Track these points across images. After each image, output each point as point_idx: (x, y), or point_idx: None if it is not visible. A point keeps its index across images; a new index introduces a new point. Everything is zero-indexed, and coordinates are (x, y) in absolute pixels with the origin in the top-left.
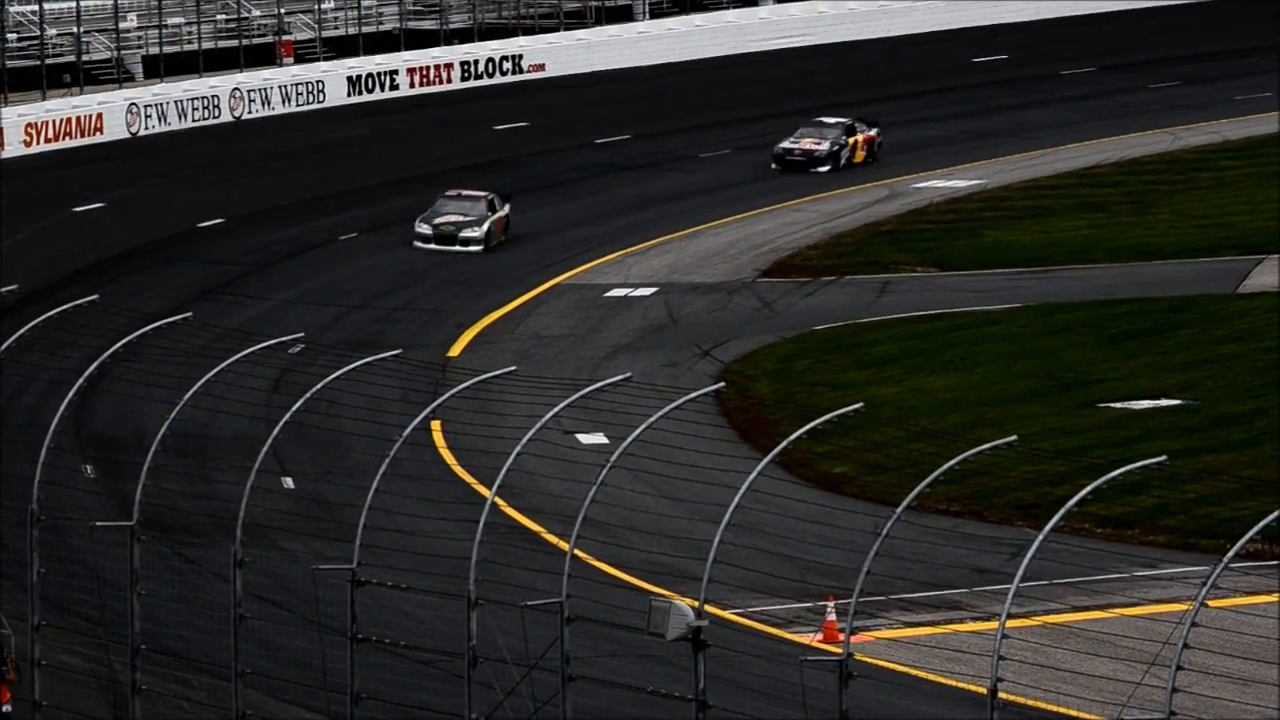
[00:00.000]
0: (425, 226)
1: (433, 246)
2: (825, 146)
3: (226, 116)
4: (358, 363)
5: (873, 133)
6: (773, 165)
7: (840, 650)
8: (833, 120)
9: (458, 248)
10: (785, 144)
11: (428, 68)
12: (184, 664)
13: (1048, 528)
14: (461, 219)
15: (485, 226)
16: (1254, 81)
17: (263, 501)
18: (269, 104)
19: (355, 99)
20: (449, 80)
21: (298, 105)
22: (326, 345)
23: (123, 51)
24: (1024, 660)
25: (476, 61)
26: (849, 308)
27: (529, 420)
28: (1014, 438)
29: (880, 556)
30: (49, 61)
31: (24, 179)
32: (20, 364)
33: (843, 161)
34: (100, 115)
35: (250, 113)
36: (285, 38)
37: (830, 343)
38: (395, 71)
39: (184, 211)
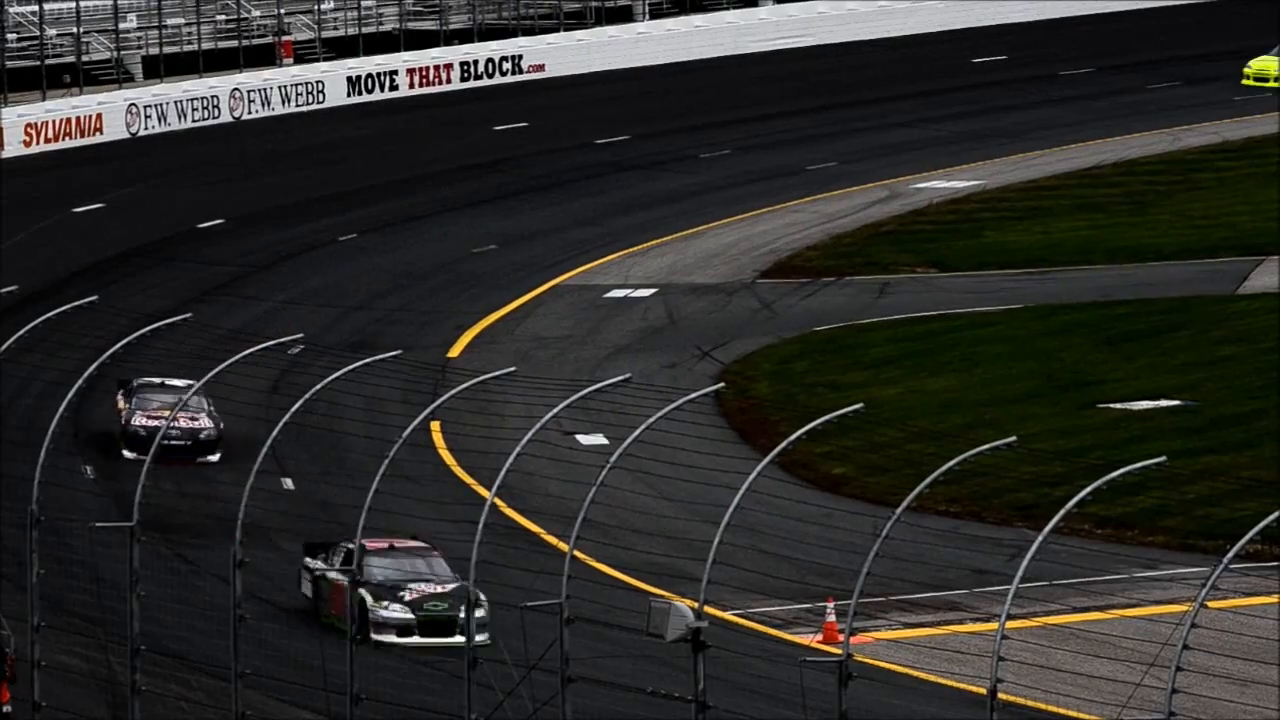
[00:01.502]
0: (400, 610)
1: (414, 640)
2: (208, 423)
3: (226, 117)
4: (357, 364)
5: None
6: (125, 452)
7: (840, 651)
8: (180, 382)
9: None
10: (142, 420)
11: (427, 68)
12: (183, 664)
13: (1047, 529)
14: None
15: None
16: None
17: (262, 502)
18: (269, 104)
19: (355, 99)
20: (449, 81)
21: (297, 106)
22: (326, 346)
23: (122, 52)
24: (1023, 661)
25: (476, 62)
26: (848, 309)
27: (528, 421)
28: (1013, 439)
29: (880, 557)
30: (49, 62)
31: (24, 179)
32: (20, 365)
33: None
34: (100, 116)
35: (250, 113)
36: (285, 38)
37: (830, 344)
38: (395, 72)
39: (183, 212)
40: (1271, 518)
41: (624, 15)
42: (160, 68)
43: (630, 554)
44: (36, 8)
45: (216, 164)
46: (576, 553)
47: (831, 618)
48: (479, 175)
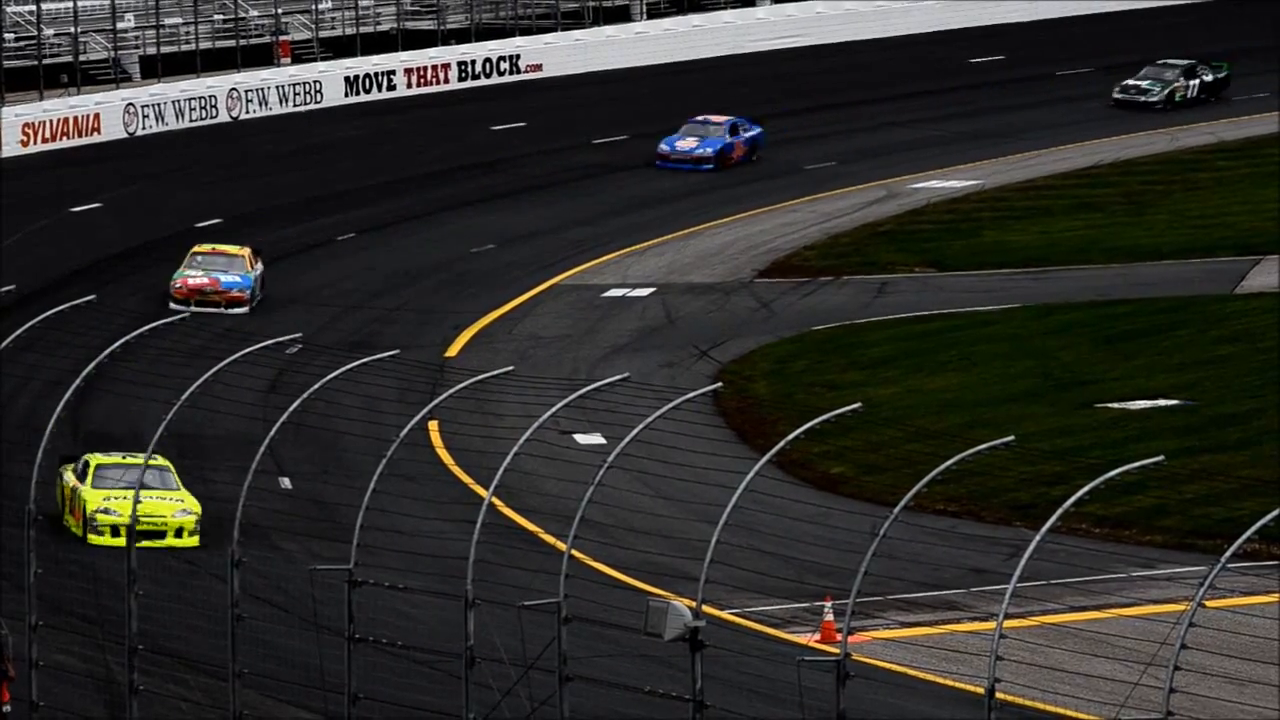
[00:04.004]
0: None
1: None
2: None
3: (224, 117)
4: (355, 363)
5: None
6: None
7: (837, 650)
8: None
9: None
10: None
11: (425, 68)
12: (181, 664)
13: (1045, 528)
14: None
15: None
16: (1252, 82)
17: (260, 502)
18: (266, 104)
19: (353, 99)
20: (446, 80)
21: (295, 105)
22: (324, 346)
23: (120, 51)
24: (1021, 660)
25: (474, 62)
26: (847, 308)
27: (526, 420)
28: (1011, 438)
29: (878, 556)
30: (46, 62)
31: (21, 179)
32: (18, 364)
33: None
34: (97, 115)
35: (248, 113)
36: (282, 38)
37: (828, 343)
38: (393, 72)
39: (181, 212)
40: (1269, 517)
41: (622, 15)
42: (158, 67)
43: (628, 553)
44: (34, 7)
45: (214, 164)
46: (574, 552)
47: (829, 617)
48: (477, 175)
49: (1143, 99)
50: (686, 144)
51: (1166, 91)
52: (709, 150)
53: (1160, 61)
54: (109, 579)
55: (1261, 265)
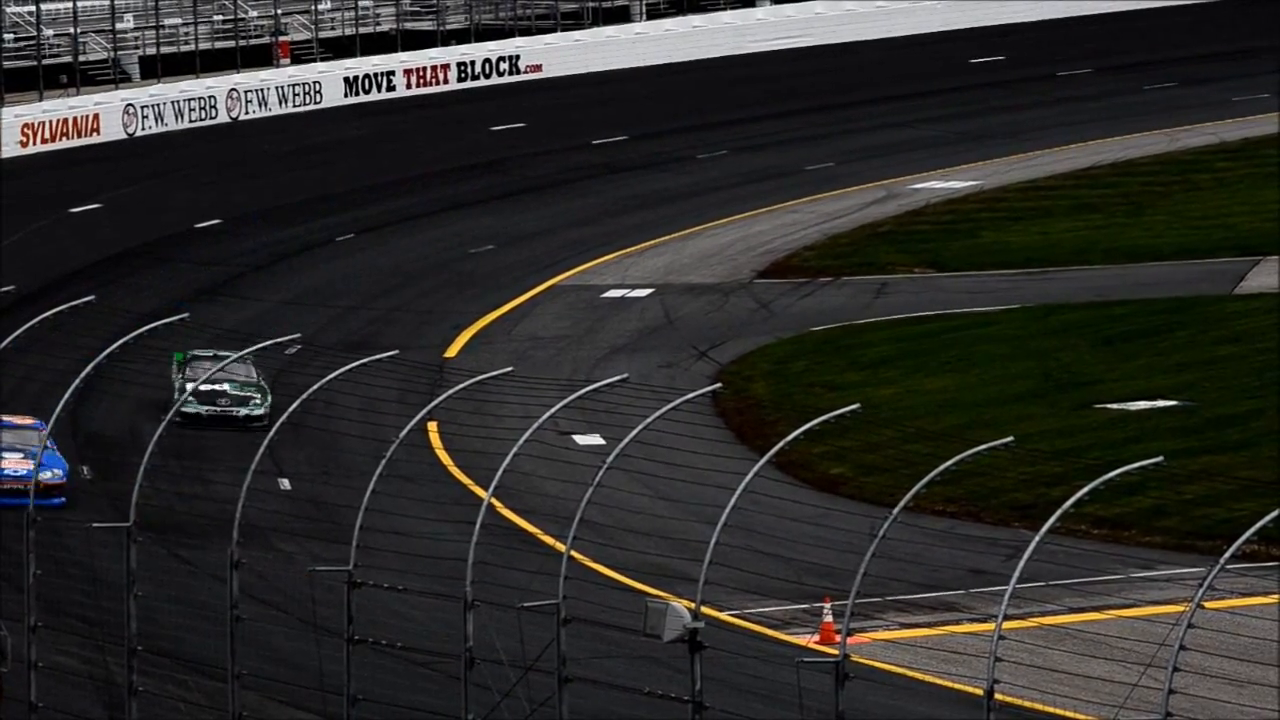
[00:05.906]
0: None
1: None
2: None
3: (223, 117)
4: (354, 364)
5: None
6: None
7: (836, 651)
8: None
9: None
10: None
11: (424, 68)
12: (180, 665)
13: (1044, 529)
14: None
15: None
16: (1251, 83)
17: (259, 503)
18: (266, 105)
19: (352, 100)
20: (446, 81)
21: (294, 106)
22: (323, 346)
23: (119, 52)
24: (1020, 661)
25: (473, 62)
26: (846, 309)
27: (525, 421)
28: (1010, 439)
29: (877, 557)
30: (46, 62)
31: (21, 179)
32: (18, 365)
33: None
34: (97, 116)
35: (247, 113)
36: (282, 38)
37: (827, 344)
38: (392, 72)
39: (181, 212)
40: (1269, 518)
41: (621, 16)
42: (157, 68)
43: (627, 554)
44: (34, 8)
45: (213, 165)
46: (573, 553)
47: (828, 618)
48: (476, 175)
49: (243, 412)
50: (15, 464)
51: (268, 400)
52: (59, 471)
53: (225, 356)
54: (108, 580)
55: (1261, 266)
